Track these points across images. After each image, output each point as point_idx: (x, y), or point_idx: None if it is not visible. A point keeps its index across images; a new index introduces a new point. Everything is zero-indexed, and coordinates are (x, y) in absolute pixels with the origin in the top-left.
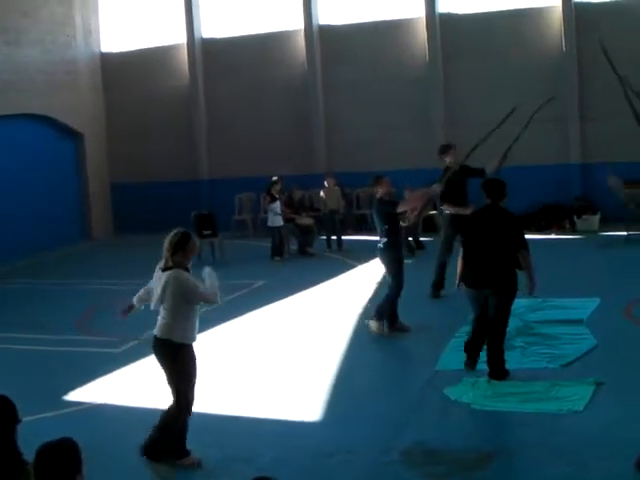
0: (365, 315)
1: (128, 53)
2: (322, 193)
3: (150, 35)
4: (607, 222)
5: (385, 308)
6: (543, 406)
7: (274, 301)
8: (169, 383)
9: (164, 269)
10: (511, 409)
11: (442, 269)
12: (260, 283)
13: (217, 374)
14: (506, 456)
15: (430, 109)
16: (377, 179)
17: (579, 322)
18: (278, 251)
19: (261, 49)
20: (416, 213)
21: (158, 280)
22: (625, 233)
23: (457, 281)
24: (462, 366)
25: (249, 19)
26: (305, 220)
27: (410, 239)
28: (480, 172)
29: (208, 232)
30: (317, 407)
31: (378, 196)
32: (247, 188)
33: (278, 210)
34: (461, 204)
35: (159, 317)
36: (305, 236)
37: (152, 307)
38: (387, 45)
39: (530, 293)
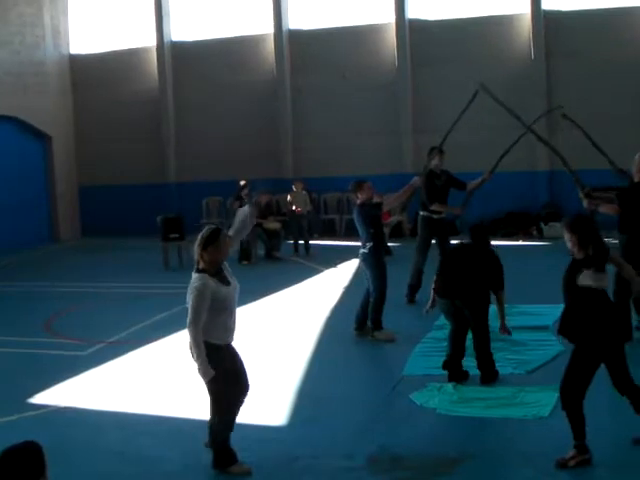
0: (332, 319)
1: (97, 55)
2: (289, 197)
3: (120, 37)
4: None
5: (377, 314)
6: (509, 412)
7: (240, 305)
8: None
9: (198, 270)
10: (477, 414)
11: (419, 274)
12: None
13: (182, 378)
14: (472, 461)
15: (399, 115)
16: (358, 184)
17: (545, 328)
18: (245, 255)
19: (230, 53)
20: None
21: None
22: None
23: (429, 304)
24: (428, 371)
25: (219, 23)
26: (272, 224)
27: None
28: (462, 185)
29: (175, 236)
30: (283, 411)
31: (359, 202)
32: (215, 192)
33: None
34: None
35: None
36: (272, 240)
37: None
38: (356, 51)
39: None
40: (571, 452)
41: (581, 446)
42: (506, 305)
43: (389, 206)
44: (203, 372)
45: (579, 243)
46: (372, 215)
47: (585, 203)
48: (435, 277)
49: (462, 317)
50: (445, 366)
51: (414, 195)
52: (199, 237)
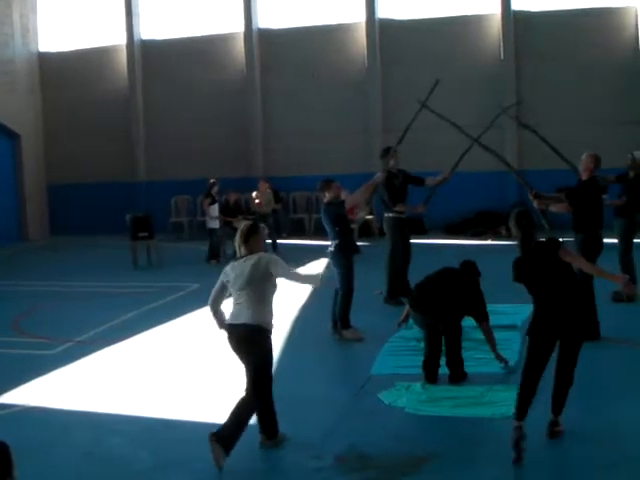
0: (300, 319)
1: (67, 53)
2: (254, 195)
3: (89, 36)
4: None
5: (344, 313)
6: (477, 411)
7: (205, 305)
8: (250, 369)
9: (244, 257)
10: (445, 414)
11: (397, 275)
12: (195, 286)
13: (152, 379)
14: (439, 460)
15: (368, 115)
16: (326, 183)
17: (513, 327)
18: (214, 254)
19: (200, 52)
20: (363, 214)
21: (239, 268)
22: (560, 239)
23: (402, 318)
24: (396, 370)
25: (189, 22)
26: (241, 223)
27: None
28: (420, 181)
29: (144, 234)
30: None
31: (326, 200)
32: (184, 191)
33: (216, 212)
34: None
35: (238, 305)
36: None
37: (232, 295)
38: (326, 50)
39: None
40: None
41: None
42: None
43: (352, 202)
44: (319, 278)
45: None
46: (338, 213)
47: (535, 204)
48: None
49: (435, 328)
50: (424, 366)
51: (375, 192)
52: (238, 234)
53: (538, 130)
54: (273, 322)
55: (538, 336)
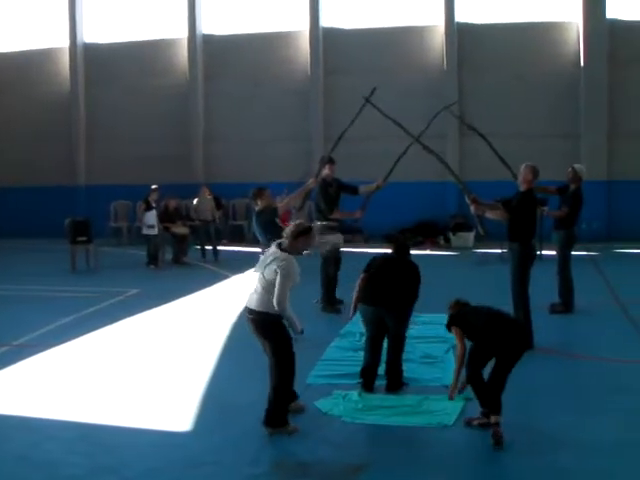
0: (239, 325)
1: (7, 55)
2: (195, 202)
3: (31, 37)
4: (482, 239)
5: None
6: (413, 420)
7: (147, 309)
8: (268, 351)
9: (281, 248)
10: (382, 422)
11: (330, 282)
12: (134, 291)
13: (88, 384)
14: (376, 468)
15: (310, 122)
16: (258, 191)
17: (448, 339)
18: (153, 259)
19: (144, 57)
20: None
21: (266, 256)
22: (499, 250)
23: (352, 308)
24: (332, 380)
25: (133, 26)
26: (180, 229)
27: None
28: (353, 190)
29: (83, 238)
30: (188, 417)
31: (258, 208)
32: (124, 196)
33: (152, 219)
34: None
35: (253, 291)
36: (180, 245)
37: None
38: (270, 57)
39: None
40: (478, 415)
41: (487, 413)
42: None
43: (284, 209)
44: (297, 326)
45: None
46: (270, 221)
47: (472, 209)
48: (357, 286)
49: (382, 325)
50: (362, 374)
51: (308, 197)
52: (291, 228)
53: (479, 139)
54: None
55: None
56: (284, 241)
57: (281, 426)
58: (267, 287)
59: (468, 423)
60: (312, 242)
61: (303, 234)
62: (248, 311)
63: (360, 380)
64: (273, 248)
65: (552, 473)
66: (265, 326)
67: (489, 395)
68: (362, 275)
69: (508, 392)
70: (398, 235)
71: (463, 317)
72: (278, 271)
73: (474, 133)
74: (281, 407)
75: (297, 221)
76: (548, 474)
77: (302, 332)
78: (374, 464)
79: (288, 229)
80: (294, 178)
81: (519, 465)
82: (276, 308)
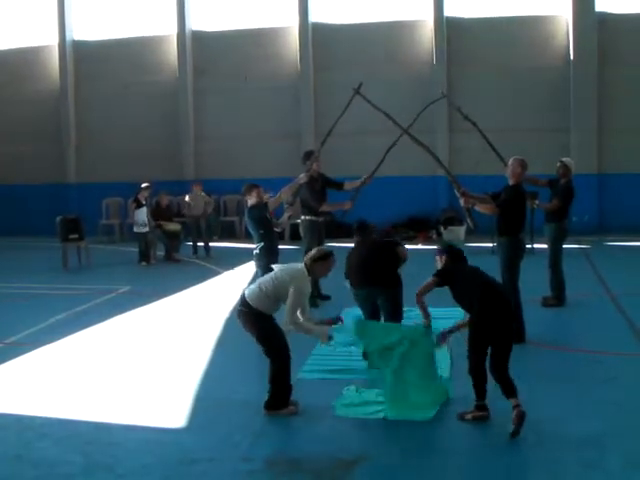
0: (232, 321)
1: None
2: (187, 198)
3: (19, 35)
4: (472, 232)
5: None
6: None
7: (139, 306)
8: (259, 343)
9: (302, 264)
10: (376, 416)
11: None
12: (126, 288)
13: (84, 380)
14: (369, 463)
15: (300, 118)
16: (249, 187)
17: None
18: (144, 257)
19: (133, 54)
20: (287, 215)
21: (286, 266)
22: (491, 244)
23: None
24: (323, 375)
25: (122, 22)
26: (172, 226)
27: None
28: (339, 185)
29: (74, 236)
30: (181, 414)
31: (250, 204)
32: (115, 193)
33: (143, 216)
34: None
35: (257, 286)
36: (172, 242)
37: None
38: (259, 53)
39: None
40: (471, 408)
41: (480, 405)
42: (404, 308)
43: (275, 204)
44: (322, 334)
45: None
46: (262, 216)
47: (462, 201)
48: (348, 269)
49: (375, 305)
50: (366, 356)
51: (299, 192)
52: (316, 251)
53: (468, 135)
54: (273, 312)
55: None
56: (307, 261)
57: (280, 409)
58: (272, 294)
59: (461, 417)
60: (331, 267)
61: (320, 259)
62: (243, 303)
63: (367, 360)
64: (299, 264)
65: (541, 465)
66: (254, 320)
67: (503, 382)
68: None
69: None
70: (360, 220)
71: (452, 276)
72: (292, 288)
73: (463, 128)
74: (279, 394)
75: (172, 225)
76: (537, 466)
77: (331, 338)
78: (367, 459)
79: (310, 253)
80: (284, 173)
81: (508, 458)
82: (284, 328)
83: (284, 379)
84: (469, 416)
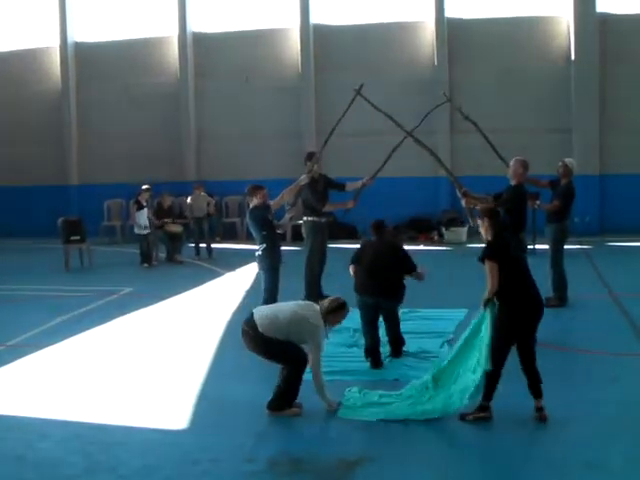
0: (234, 322)
1: None
2: (189, 199)
3: (20, 36)
4: (474, 233)
5: None
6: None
7: (141, 308)
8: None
9: (315, 304)
10: (379, 417)
11: (314, 278)
12: (128, 290)
13: (86, 382)
14: (372, 463)
15: (301, 119)
16: (253, 188)
17: (446, 334)
18: (146, 258)
19: (135, 55)
20: (289, 216)
21: (296, 306)
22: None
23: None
24: (326, 377)
25: (123, 24)
26: (174, 227)
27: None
28: (341, 186)
29: (76, 238)
30: (184, 415)
31: (252, 205)
32: (117, 194)
33: (144, 218)
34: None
35: (267, 316)
36: (174, 243)
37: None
38: (260, 55)
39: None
40: (473, 409)
41: (484, 406)
42: (406, 310)
43: (277, 205)
44: (331, 406)
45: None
46: (264, 218)
47: (463, 202)
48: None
49: (376, 309)
50: (368, 354)
51: (300, 193)
52: (329, 302)
53: (470, 135)
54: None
55: None
56: (322, 311)
57: (284, 410)
58: (284, 332)
59: (462, 418)
60: (345, 316)
61: (336, 310)
62: (251, 325)
63: (368, 359)
64: (316, 308)
65: (544, 464)
66: (260, 344)
67: (535, 377)
68: (351, 266)
69: (500, 383)
70: (377, 220)
71: (504, 249)
72: (312, 344)
73: (465, 129)
74: (286, 395)
75: (174, 226)
76: (540, 466)
77: (339, 405)
78: (369, 460)
79: (326, 301)
80: (285, 174)
81: (511, 458)
82: (315, 384)
83: (297, 382)
84: (471, 417)
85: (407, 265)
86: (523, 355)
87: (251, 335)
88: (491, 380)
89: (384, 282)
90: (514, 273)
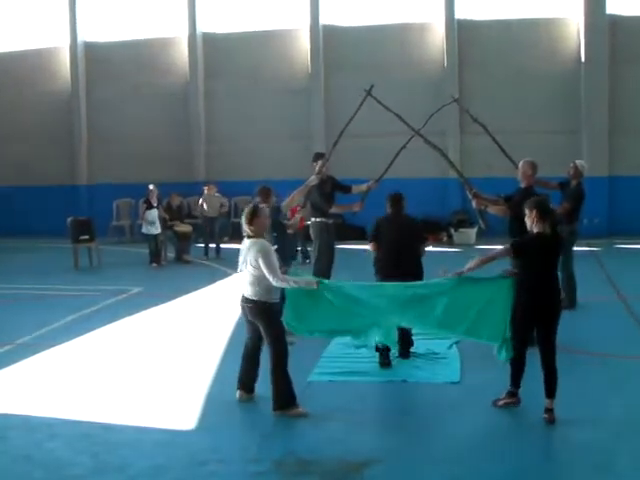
0: (242, 323)
1: (5, 54)
2: (201, 200)
3: (30, 37)
4: (483, 234)
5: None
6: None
7: (150, 307)
8: (265, 335)
9: (247, 237)
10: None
11: (324, 277)
12: (137, 289)
13: (94, 381)
14: (379, 465)
15: (311, 120)
16: (265, 190)
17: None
18: (155, 258)
19: (144, 55)
20: (299, 216)
21: (244, 248)
22: (501, 247)
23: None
24: (334, 377)
25: (132, 24)
26: (183, 227)
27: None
28: (347, 189)
29: (85, 237)
30: (191, 415)
31: (261, 206)
32: (126, 194)
33: (154, 217)
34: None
35: (246, 283)
36: (183, 243)
37: (238, 270)
38: (270, 55)
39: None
40: (504, 395)
41: (512, 392)
42: None
43: (288, 206)
44: (310, 282)
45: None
46: (274, 219)
47: (474, 203)
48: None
49: None
50: (379, 350)
51: (311, 194)
52: (245, 213)
53: (479, 137)
54: (274, 296)
55: None
56: (247, 231)
57: (289, 408)
58: (255, 279)
59: (495, 404)
60: (264, 222)
61: (255, 215)
62: (244, 299)
63: (379, 359)
64: (245, 241)
65: (552, 467)
66: (258, 312)
67: (548, 380)
68: (371, 244)
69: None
70: (394, 192)
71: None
72: (260, 255)
73: (474, 130)
74: (284, 388)
75: (183, 227)
76: (546, 469)
77: (320, 283)
78: (376, 462)
79: (242, 218)
80: (295, 175)
81: (517, 461)
82: (276, 284)
83: (284, 376)
84: (501, 402)
85: (422, 236)
86: (541, 350)
87: (247, 306)
88: (515, 367)
89: (409, 262)
90: (535, 268)
